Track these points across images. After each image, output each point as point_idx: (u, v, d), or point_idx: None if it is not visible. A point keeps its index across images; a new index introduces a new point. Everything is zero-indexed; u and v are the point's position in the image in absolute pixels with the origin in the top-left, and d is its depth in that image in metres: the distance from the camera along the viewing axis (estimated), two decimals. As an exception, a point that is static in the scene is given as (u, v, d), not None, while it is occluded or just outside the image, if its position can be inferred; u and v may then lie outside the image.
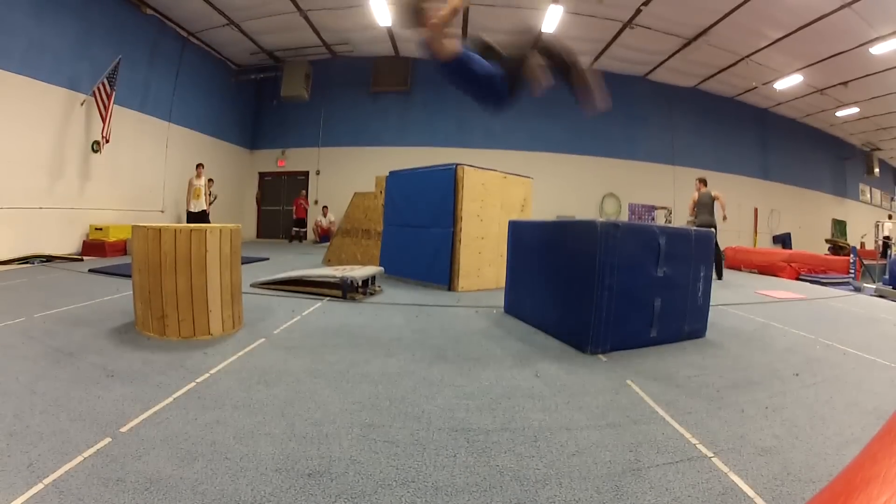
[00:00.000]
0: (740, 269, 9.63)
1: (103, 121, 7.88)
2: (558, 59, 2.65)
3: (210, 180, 11.03)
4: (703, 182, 8.16)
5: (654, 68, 12.93)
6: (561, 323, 3.18)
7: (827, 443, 1.75)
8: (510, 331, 3.45)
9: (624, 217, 13.22)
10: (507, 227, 4.22)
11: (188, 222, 8.73)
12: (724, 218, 7.88)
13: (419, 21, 2.57)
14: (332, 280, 4.45)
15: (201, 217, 9.22)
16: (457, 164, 5.33)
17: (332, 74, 13.28)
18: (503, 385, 2.29)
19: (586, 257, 2.89)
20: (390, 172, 6.37)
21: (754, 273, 9.21)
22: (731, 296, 5.58)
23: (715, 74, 12.92)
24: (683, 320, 3.27)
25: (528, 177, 6.20)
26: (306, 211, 13.41)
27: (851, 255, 9.07)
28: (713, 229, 3.71)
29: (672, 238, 3.10)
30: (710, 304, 3.47)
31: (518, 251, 4.00)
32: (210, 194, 10.88)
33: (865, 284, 7.93)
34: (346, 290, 4.38)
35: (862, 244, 14.37)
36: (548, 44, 2.68)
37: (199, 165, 9.54)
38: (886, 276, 7.43)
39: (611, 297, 2.82)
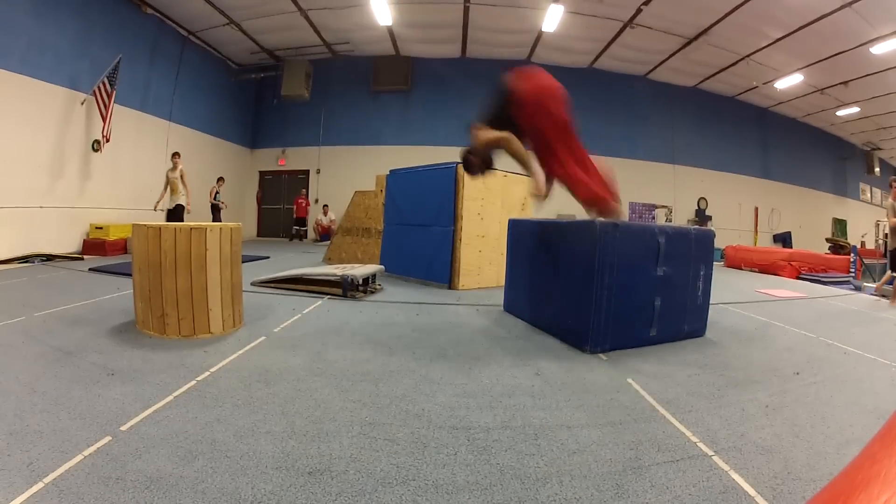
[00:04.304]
0: (741, 268, 9.64)
1: (104, 120, 7.88)
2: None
3: (220, 179, 10.98)
4: None
5: (655, 68, 12.92)
6: (560, 322, 3.19)
7: (827, 442, 1.75)
8: (511, 329, 3.44)
9: (624, 216, 13.20)
10: (507, 226, 4.22)
11: (167, 220, 7.61)
12: None
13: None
14: (332, 278, 4.45)
15: (177, 214, 7.79)
16: (457, 163, 5.31)
17: (333, 74, 13.28)
18: (504, 383, 2.29)
19: (586, 257, 2.89)
20: (391, 171, 6.37)
21: (755, 272, 9.20)
22: (731, 295, 5.57)
23: (715, 74, 12.91)
24: (683, 319, 3.27)
25: (529, 175, 6.19)
26: (307, 210, 13.42)
27: (852, 255, 9.06)
28: None
29: (671, 237, 3.10)
30: (710, 302, 3.46)
31: (518, 250, 3.99)
32: (217, 195, 10.84)
33: (866, 283, 7.93)
34: (347, 289, 4.38)
35: (862, 243, 14.36)
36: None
37: (175, 155, 8.09)
38: (887, 276, 7.41)
39: (610, 297, 2.82)
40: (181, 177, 7.87)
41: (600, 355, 2.81)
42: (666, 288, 3.10)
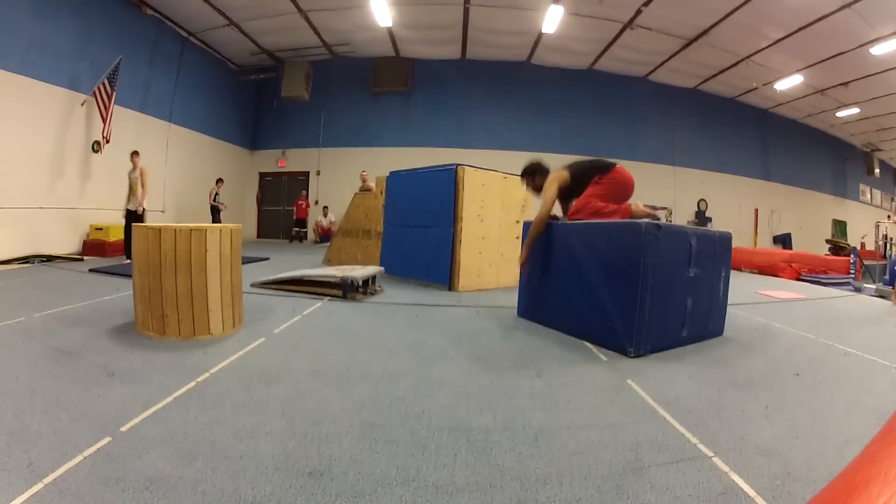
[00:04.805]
0: (741, 270, 9.64)
1: (104, 121, 7.89)
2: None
3: (219, 180, 10.96)
4: None
5: (655, 69, 12.93)
6: (598, 325, 3.09)
7: (827, 443, 1.74)
8: (511, 330, 3.45)
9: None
10: (523, 227, 4.12)
11: (127, 222, 6.88)
12: None
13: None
14: (332, 280, 4.45)
15: (138, 218, 6.84)
16: (457, 165, 5.32)
17: (333, 75, 13.29)
18: (504, 384, 2.29)
19: (630, 258, 2.86)
20: (391, 173, 6.37)
21: (755, 273, 9.21)
22: (731, 296, 5.55)
23: (715, 75, 12.93)
24: (708, 319, 3.34)
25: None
26: (307, 211, 13.42)
27: (852, 256, 9.07)
28: None
29: (700, 239, 3.18)
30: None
31: (537, 253, 3.78)
32: (217, 197, 10.83)
33: (866, 285, 7.93)
34: (347, 290, 4.38)
35: (862, 245, 14.36)
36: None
37: (134, 154, 7.24)
38: (887, 277, 7.43)
39: (652, 298, 2.83)
40: (141, 176, 7.03)
41: (601, 356, 2.81)
42: (696, 289, 3.15)
